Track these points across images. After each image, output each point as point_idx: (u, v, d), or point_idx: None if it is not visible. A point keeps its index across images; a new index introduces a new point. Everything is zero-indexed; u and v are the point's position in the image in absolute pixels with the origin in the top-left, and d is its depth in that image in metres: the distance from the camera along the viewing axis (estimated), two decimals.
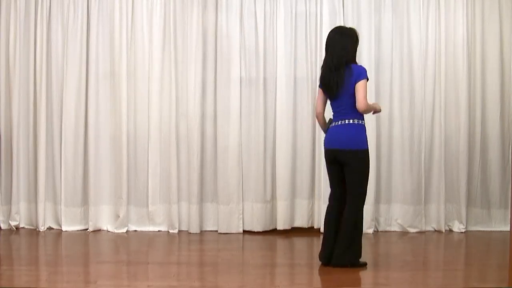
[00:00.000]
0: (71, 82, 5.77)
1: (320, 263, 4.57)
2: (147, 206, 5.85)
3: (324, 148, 4.58)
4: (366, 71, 4.42)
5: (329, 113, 4.64)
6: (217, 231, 5.81)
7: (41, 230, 5.77)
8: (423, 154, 5.82)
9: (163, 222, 5.85)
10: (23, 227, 5.86)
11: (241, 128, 5.78)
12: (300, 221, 5.81)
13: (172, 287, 4.11)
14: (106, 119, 5.82)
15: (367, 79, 4.40)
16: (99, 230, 5.83)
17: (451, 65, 5.84)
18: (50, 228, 5.86)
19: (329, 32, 4.58)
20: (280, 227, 5.79)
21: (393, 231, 5.85)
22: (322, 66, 4.53)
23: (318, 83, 4.65)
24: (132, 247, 5.34)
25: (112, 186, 5.83)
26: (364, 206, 5.72)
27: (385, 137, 5.86)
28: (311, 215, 5.85)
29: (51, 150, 5.83)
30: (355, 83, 4.36)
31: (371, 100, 5.79)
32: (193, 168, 5.76)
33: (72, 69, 5.77)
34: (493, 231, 5.84)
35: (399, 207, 5.84)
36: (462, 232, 5.81)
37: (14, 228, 5.79)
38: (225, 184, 5.76)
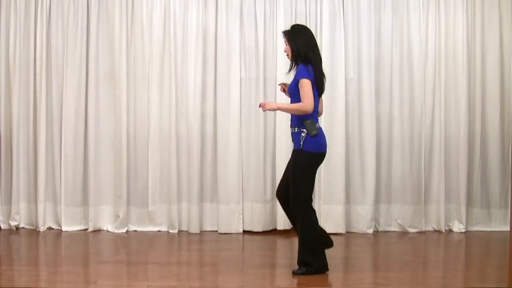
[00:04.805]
0: (71, 82, 5.77)
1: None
2: (147, 206, 5.85)
3: (324, 152, 4.39)
4: None
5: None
6: (217, 231, 5.81)
7: (41, 230, 5.77)
8: (423, 154, 5.81)
9: (163, 222, 5.84)
10: (23, 227, 5.86)
11: (241, 128, 5.78)
12: None
13: (172, 287, 4.11)
14: (106, 119, 5.82)
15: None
16: (99, 230, 5.83)
17: (451, 65, 5.84)
18: (50, 228, 5.85)
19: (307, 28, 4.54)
20: (280, 227, 5.78)
21: (393, 231, 5.85)
22: (318, 62, 4.37)
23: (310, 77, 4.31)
24: (132, 247, 5.34)
25: (112, 186, 5.83)
26: (364, 206, 5.80)
27: (385, 137, 5.85)
28: None
29: (51, 150, 5.83)
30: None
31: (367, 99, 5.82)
32: (193, 168, 5.76)
33: (72, 69, 5.77)
34: (493, 231, 5.83)
35: (399, 207, 5.84)
36: (462, 232, 5.80)
37: (14, 228, 5.79)
38: (225, 184, 5.76)
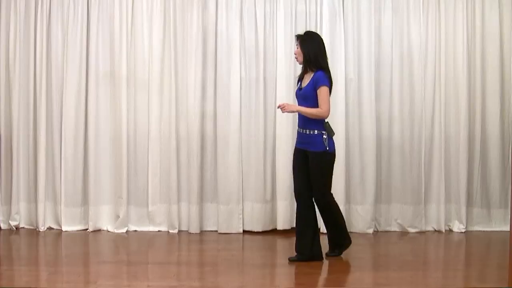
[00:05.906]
0: (71, 82, 5.77)
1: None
2: (147, 206, 5.85)
3: (334, 152, 4.66)
4: None
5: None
6: (217, 231, 5.81)
7: (41, 230, 5.77)
8: (423, 154, 5.81)
9: (163, 222, 5.84)
10: (23, 227, 5.86)
11: (241, 128, 5.78)
12: None
13: (172, 287, 4.11)
14: (106, 119, 5.81)
15: None
16: (99, 230, 5.82)
17: (451, 65, 5.84)
18: (50, 228, 5.85)
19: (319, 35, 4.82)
20: (280, 227, 5.78)
21: (393, 231, 5.84)
22: (327, 69, 4.65)
23: (328, 82, 4.62)
24: (132, 247, 5.34)
25: (112, 186, 5.83)
26: (364, 206, 5.80)
27: (385, 137, 5.85)
28: None
29: (51, 150, 5.82)
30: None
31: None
32: (193, 168, 5.76)
33: (72, 69, 5.77)
34: (493, 231, 5.83)
35: (399, 207, 5.84)
36: (462, 232, 5.80)
37: (14, 228, 5.79)
38: (225, 184, 5.76)
